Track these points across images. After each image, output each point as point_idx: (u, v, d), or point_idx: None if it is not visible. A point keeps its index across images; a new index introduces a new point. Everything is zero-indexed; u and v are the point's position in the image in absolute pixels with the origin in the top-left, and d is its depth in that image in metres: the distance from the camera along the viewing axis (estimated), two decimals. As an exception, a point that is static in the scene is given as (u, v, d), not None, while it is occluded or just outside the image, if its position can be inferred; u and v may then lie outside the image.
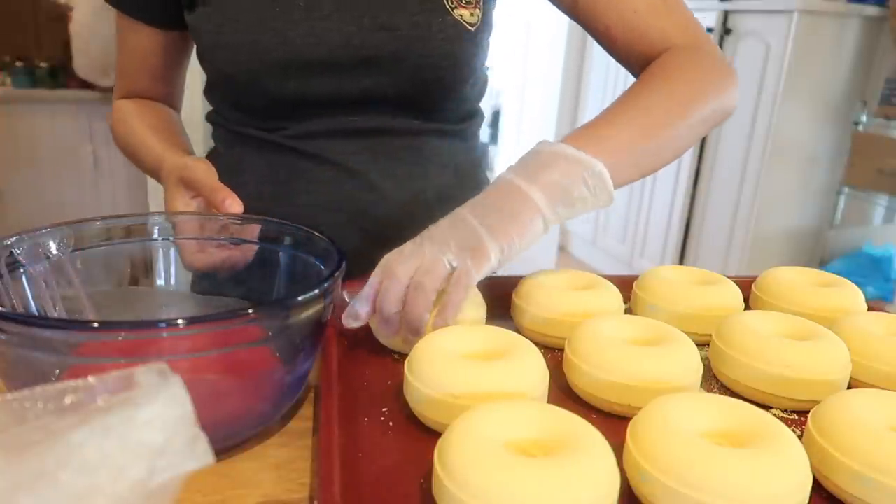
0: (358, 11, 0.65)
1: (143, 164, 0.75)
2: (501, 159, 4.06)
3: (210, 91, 0.75)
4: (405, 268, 0.49)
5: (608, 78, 3.02)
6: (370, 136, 0.70)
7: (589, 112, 3.21)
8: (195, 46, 0.71)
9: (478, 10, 0.68)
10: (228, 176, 0.74)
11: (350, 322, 0.50)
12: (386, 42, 0.65)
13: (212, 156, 0.78)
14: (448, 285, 0.50)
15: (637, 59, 0.69)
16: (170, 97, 0.82)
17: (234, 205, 0.58)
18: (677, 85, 0.62)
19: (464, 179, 0.77)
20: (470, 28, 0.67)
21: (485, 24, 0.70)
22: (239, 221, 0.58)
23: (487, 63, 0.76)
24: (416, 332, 0.49)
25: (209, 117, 0.78)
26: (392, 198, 0.71)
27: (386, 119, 0.70)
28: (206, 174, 0.61)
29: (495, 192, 0.52)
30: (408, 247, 0.51)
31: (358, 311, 0.50)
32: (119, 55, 0.77)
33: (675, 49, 0.66)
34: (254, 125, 0.72)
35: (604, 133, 0.56)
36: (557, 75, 3.23)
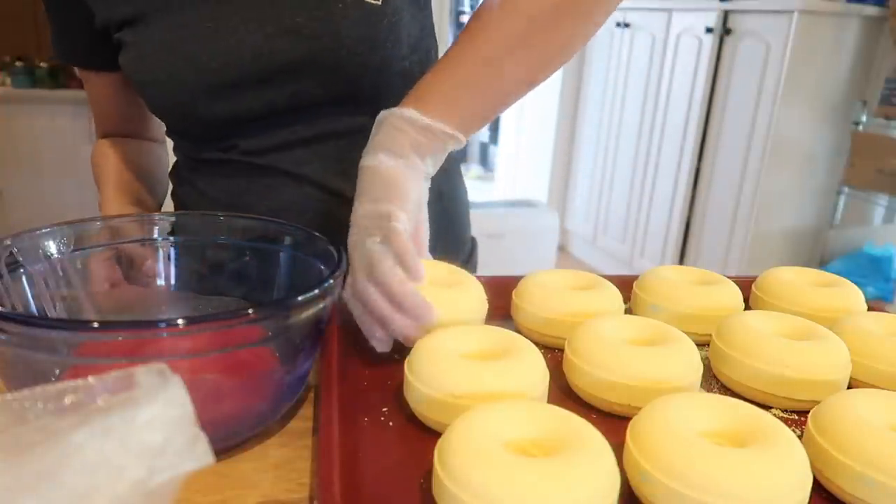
0: (261, 20, 0.62)
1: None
2: (501, 159, 4.06)
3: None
4: (363, 285, 0.50)
5: (608, 77, 3.03)
6: (316, 142, 0.69)
7: (589, 112, 3.22)
8: None
9: None
10: (190, 189, 0.75)
11: (383, 347, 0.51)
12: (294, 44, 0.62)
13: (173, 170, 0.79)
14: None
15: None
16: (144, 133, 0.83)
17: None
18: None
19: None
20: (375, 2, 0.63)
21: None
22: (240, 221, 0.58)
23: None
24: (416, 317, 0.49)
25: (167, 134, 0.78)
26: (349, 196, 0.69)
27: (328, 123, 0.68)
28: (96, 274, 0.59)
29: (367, 178, 0.55)
30: (351, 271, 0.52)
31: (377, 336, 0.50)
32: (89, 101, 0.80)
33: None
34: (204, 148, 0.71)
35: (451, 89, 0.56)
36: (557, 74, 3.23)
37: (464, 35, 0.58)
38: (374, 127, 0.57)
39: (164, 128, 0.81)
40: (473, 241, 0.90)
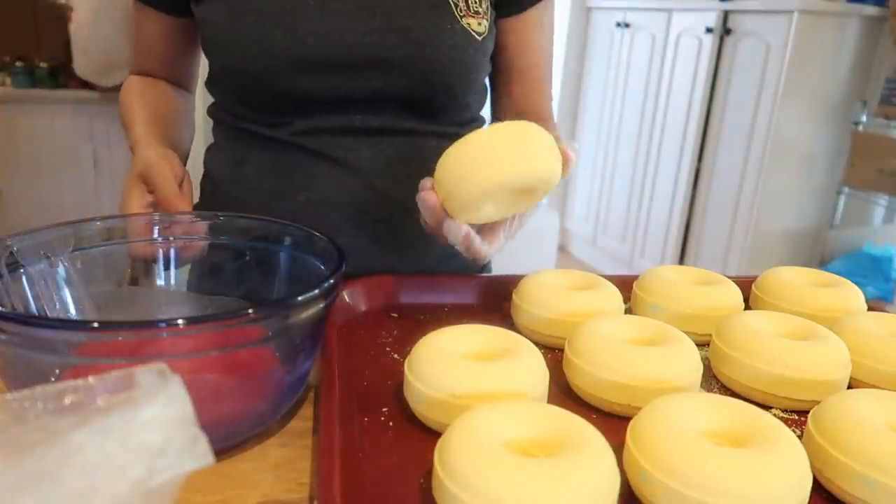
0: (370, 11, 0.65)
1: (127, 142, 0.74)
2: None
3: (213, 84, 0.75)
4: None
5: (608, 77, 3.02)
6: (373, 134, 0.70)
7: (589, 112, 3.22)
8: (201, 37, 0.71)
9: (485, 21, 0.69)
10: (230, 169, 0.74)
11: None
12: (398, 44, 0.65)
13: (212, 150, 0.78)
14: None
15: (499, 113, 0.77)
16: (181, 80, 0.82)
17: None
18: None
19: None
20: (478, 38, 0.68)
21: (490, 35, 0.71)
22: (240, 221, 0.58)
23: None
24: None
25: (210, 111, 0.78)
26: (391, 196, 0.71)
27: (390, 119, 0.70)
28: (167, 179, 0.60)
29: None
30: None
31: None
32: (135, 35, 0.79)
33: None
34: (257, 120, 0.72)
35: None
36: (558, 75, 3.23)
37: None
38: None
39: (198, 81, 0.81)
40: None
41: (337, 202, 0.70)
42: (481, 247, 0.55)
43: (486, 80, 0.78)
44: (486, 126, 0.55)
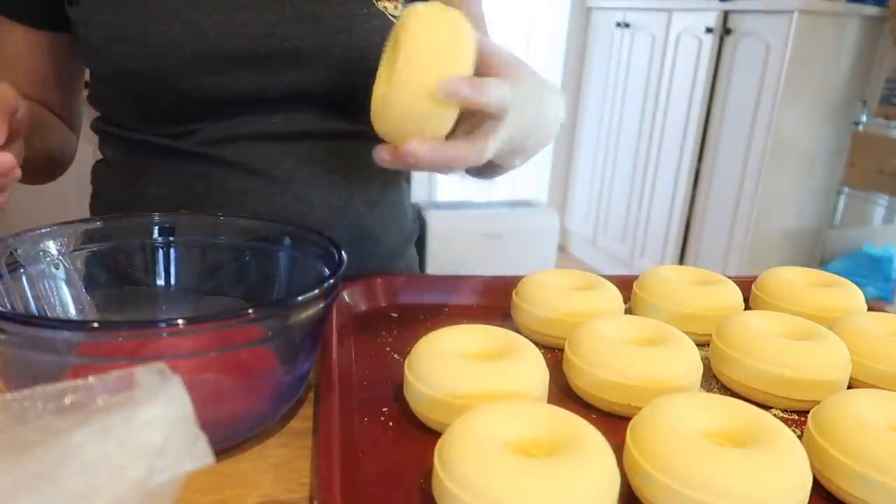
0: (279, 1, 0.60)
1: None
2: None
3: (99, 95, 0.67)
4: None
5: (608, 77, 3.02)
6: (293, 140, 0.65)
7: (589, 112, 3.22)
8: (81, 43, 0.62)
9: (400, 5, 0.65)
10: (126, 189, 0.66)
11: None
12: (310, 33, 0.60)
13: (101, 167, 0.70)
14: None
15: None
16: (61, 114, 0.71)
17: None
18: None
19: (391, 185, 0.74)
20: (394, 21, 0.62)
21: None
22: (241, 221, 0.58)
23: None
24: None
25: (95, 126, 0.69)
26: (319, 206, 0.66)
27: (311, 121, 0.65)
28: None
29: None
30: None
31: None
32: None
33: None
34: (157, 131, 0.64)
35: None
36: (557, 75, 3.23)
37: None
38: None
39: (82, 123, 0.70)
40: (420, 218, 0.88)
41: (261, 216, 0.63)
42: (480, 149, 0.48)
43: None
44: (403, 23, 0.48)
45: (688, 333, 0.51)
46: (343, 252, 0.50)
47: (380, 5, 0.63)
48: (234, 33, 0.59)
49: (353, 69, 0.62)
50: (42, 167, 0.70)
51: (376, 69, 0.60)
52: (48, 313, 0.50)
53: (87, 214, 0.73)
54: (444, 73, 0.45)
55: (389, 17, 0.63)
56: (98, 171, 0.71)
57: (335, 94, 0.64)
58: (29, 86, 0.67)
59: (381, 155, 0.48)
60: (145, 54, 0.58)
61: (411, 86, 0.46)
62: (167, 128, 0.64)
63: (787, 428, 0.38)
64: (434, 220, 2.52)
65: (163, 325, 0.37)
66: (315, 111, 0.65)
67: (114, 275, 0.57)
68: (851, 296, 0.61)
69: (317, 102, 0.64)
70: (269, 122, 0.64)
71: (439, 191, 3.06)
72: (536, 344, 0.49)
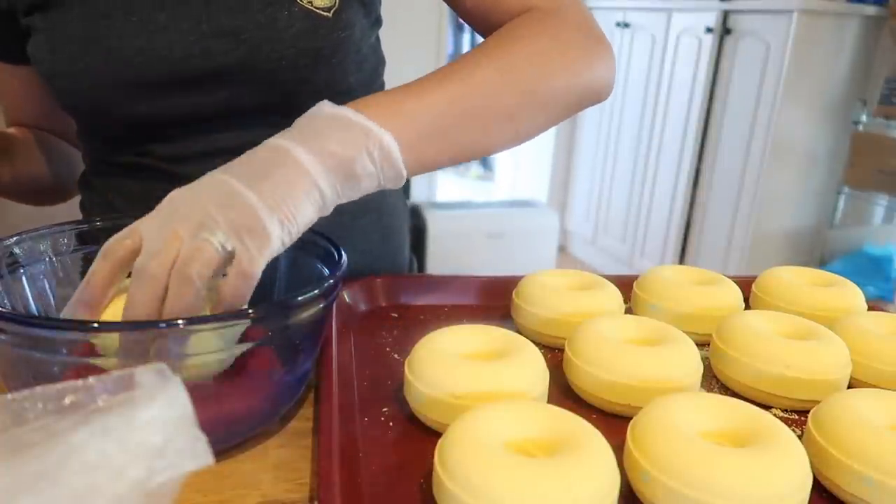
0: (195, 18, 0.57)
1: None
2: (501, 159, 4.06)
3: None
4: (160, 260, 0.39)
5: (608, 78, 3.02)
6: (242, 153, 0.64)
7: (589, 112, 3.22)
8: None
9: None
10: (98, 198, 0.68)
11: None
12: (231, 48, 0.57)
13: (81, 179, 0.72)
14: (229, 275, 0.40)
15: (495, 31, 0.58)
16: (63, 131, 0.75)
17: None
18: (516, 56, 0.52)
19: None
20: (325, 14, 0.58)
21: (347, 7, 0.60)
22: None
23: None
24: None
25: (77, 138, 0.72)
26: None
27: (257, 134, 0.59)
28: None
29: (261, 156, 0.43)
30: (146, 226, 0.40)
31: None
32: None
33: (530, 14, 0.57)
34: (116, 151, 0.65)
35: (403, 101, 0.47)
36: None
37: (450, 72, 0.51)
38: (320, 121, 0.45)
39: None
40: (412, 260, 0.84)
41: None
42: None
43: (380, 67, 0.71)
44: None
45: (688, 333, 0.51)
46: (343, 252, 0.50)
47: (304, 2, 0.58)
48: (156, 59, 0.58)
49: (283, 80, 0.60)
50: (39, 189, 0.74)
51: (308, 73, 0.58)
52: (48, 313, 0.50)
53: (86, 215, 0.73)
54: None
55: (319, 12, 0.58)
56: (80, 182, 0.73)
57: (272, 105, 0.61)
58: (30, 117, 0.72)
59: None
60: (81, 88, 0.59)
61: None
62: (123, 149, 0.65)
63: (787, 428, 0.38)
64: (434, 220, 2.52)
65: (163, 325, 0.37)
66: (260, 124, 0.59)
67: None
68: (851, 295, 0.61)
69: (259, 116, 0.62)
70: (212, 139, 0.62)
71: (439, 191, 3.06)
72: (536, 344, 0.49)
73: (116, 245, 0.41)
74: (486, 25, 0.61)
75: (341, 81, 0.63)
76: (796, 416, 0.48)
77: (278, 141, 0.43)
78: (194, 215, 0.40)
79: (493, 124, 0.52)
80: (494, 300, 0.64)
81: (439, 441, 0.37)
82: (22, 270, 0.48)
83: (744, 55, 2.36)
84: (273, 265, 0.57)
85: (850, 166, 2.32)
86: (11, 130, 0.73)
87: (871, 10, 2.24)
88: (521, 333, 0.50)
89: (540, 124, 0.55)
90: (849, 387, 0.50)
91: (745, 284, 0.65)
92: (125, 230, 0.41)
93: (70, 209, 0.79)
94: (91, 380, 0.26)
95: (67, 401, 0.26)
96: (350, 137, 0.44)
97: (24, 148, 0.71)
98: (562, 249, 3.40)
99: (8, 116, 0.74)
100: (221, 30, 0.58)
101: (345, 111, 0.45)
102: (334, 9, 0.59)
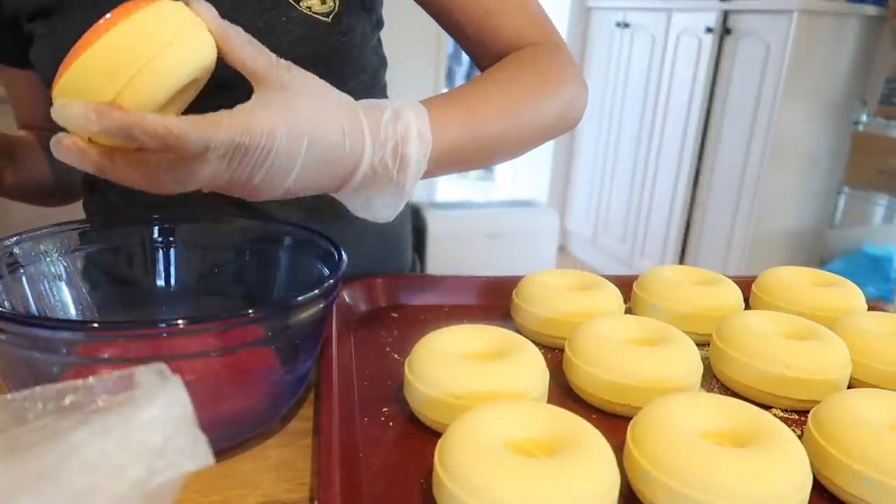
0: None
1: None
2: (500, 166, 4.05)
3: None
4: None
5: (608, 77, 3.03)
6: None
7: (589, 112, 3.21)
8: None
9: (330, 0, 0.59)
10: (100, 200, 0.69)
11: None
12: None
13: (85, 181, 0.73)
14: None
15: (493, 60, 0.62)
16: None
17: None
18: (517, 86, 0.57)
19: None
20: (324, 20, 0.58)
21: (348, 11, 0.60)
22: (240, 221, 0.58)
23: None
24: None
25: None
26: (279, 221, 0.63)
27: None
28: None
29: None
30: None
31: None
32: (9, 95, 0.74)
33: (533, 47, 0.61)
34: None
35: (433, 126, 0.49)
36: (557, 75, 3.23)
37: (468, 104, 0.53)
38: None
39: None
40: (415, 261, 0.86)
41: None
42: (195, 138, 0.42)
43: (383, 70, 0.71)
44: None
45: (688, 333, 0.51)
46: (343, 252, 0.50)
47: (303, 6, 0.58)
48: None
49: None
50: (41, 190, 0.75)
51: None
52: (48, 313, 0.50)
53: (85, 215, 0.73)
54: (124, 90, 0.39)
55: (317, 17, 0.58)
56: (83, 183, 0.74)
57: None
58: (40, 119, 0.72)
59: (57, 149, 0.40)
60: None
61: (80, 88, 0.39)
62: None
63: (787, 428, 0.38)
64: (434, 220, 2.52)
65: (163, 325, 0.37)
66: None
67: (114, 275, 0.57)
68: (851, 295, 0.61)
69: None
70: None
71: (439, 191, 3.06)
72: (536, 344, 0.49)
73: None
74: (484, 58, 0.64)
75: (341, 86, 0.62)
76: (796, 416, 0.48)
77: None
78: None
79: (496, 158, 0.57)
80: (494, 300, 0.64)
81: (439, 441, 0.37)
82: (22, 270, 0.48)
83: (744, 55, 2.36)
84: (273, 265, 0.57)
85: (850, 166, 2.32)
86: (21, 133, 0.73)
87: (871, 10, 2.24)
88: (521, 333, 0.50)
89: (528, 150, 0.60)
90: (849, 387, 0.50)
91: (745, 284, 0.65)
92: None
93: (71, 209, 0.79)
94: (91, 380, 0.26)
95: (67, 401, 0.26)
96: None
97: (27, 150, 0.72)
98: (562, 249, 3.40)
99: (19, 119, 0.76)
100: None
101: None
102: (333, 13, 0.59)
